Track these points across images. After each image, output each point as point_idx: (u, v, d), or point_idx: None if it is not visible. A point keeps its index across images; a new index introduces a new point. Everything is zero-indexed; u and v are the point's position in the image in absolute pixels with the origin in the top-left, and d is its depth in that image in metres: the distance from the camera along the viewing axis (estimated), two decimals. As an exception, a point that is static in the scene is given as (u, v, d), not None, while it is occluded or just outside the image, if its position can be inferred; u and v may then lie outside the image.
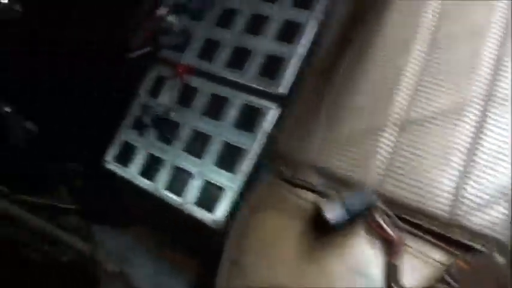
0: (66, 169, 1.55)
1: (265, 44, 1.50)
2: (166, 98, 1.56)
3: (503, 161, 0.97)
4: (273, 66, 1.50)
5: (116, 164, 1.57)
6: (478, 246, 0.93)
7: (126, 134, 1.60)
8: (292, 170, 1.16)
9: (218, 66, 1.54)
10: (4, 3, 1.02)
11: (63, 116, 1.61)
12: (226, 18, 1.65)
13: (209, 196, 1.45)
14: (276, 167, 1.20)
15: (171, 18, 1.62)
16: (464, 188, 0.98)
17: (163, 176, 1.49)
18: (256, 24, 1.61)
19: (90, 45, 1.60)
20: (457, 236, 0.95)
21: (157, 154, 1.52)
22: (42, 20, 1.51)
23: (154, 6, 1.66)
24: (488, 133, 1.01)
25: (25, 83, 1.56)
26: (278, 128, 1.35)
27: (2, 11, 1.01)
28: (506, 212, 0.93)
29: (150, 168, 1.56)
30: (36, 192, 1.46)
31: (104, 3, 1.61)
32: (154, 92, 1.61)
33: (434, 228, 0.96)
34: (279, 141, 1.25)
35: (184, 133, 1.50)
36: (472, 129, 1.02)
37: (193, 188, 1.43)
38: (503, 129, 1.01)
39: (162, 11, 1.65)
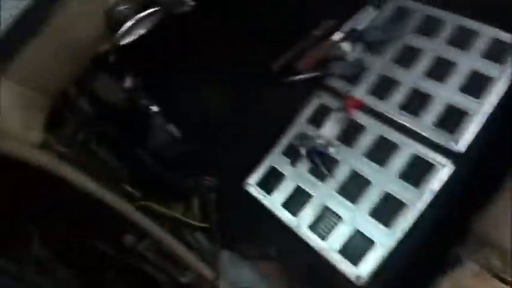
0: (202, 182, 1.56)
1: (446, 93, 1.51)
2: (328, 130, 1.57)
3: None
4: (452, 119, 1.50)
5: (258, 188, 1.59)
6: None
7: (275, 160, 1.62)
8: (504, 263, 1.08)
9: (391, 107, 1.54)
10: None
11: (209, 127, 1.64)
12: (406, 56, 1.67)
13: (356, 247, 1.44)
14: (480, 253, 1.12)
15: (345, 46, 1.64)
16: None
17: (309, 214, 1.51)
18: (439, 69, 1.60)
19: (254, 58, 1.62)
20: None
21: (306, 188, 1.52)
22: (212, 20, 1.54)
23: (329, 31, 1.65)
24: None
25: (177, 85, 1.61)
26: (455, 193, 1.28)
27: (170, 4, 1.03)
28: None
29: (295, 202, 1.59)
30: (167, 201, 1.46)
31: (277, 18, 1.62)
32: (315, 121, 1.64)
33: None
34: (484, 220, 1.18)
35: (341, 172, 1.50)
36: None
37: (340, 235, 1.44)
38: None
39: (336, 36, 1.65)
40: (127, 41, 1.00)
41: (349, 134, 1.61)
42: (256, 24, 1.64)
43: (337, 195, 1.52)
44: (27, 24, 0.84)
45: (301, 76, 1.71)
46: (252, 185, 1.61)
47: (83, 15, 0.93)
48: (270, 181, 1.66)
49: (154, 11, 1.00)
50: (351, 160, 1.55)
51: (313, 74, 1.73)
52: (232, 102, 1.67)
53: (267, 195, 1.63)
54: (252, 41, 1.63)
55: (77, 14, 0.91)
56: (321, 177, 1.56)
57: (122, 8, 0.96)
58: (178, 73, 1.61)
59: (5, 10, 0.81)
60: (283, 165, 1.64)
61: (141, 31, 1.01)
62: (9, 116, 0.89)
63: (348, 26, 1.72)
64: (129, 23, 0.96)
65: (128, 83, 1.43)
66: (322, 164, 1.54)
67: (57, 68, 0.96)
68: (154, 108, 1.45)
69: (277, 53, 1.69)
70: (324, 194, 1.54)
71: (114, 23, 0.96)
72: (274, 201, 1.59)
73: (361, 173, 1.52)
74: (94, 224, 1.29)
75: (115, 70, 1.39)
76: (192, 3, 1.08)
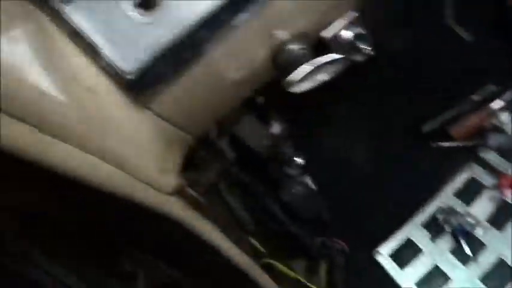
0: (332, 245, 1.55)
1: None
2: (477, 208, 1.54)
3: None
4: None
5: (390, 260, 1.57)
6: None
7: (413, 231, 1.62)
8: None
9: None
10: (350, 41, 1.01)
11: (346, 184, 1.64)
12: None
13: None
14: None
15: (505, 117, 1.57)
16: None
17: (445, 299, 1.42)
18: None
19: (405, 116, 1.61)
20: None
21: (445, 269, 1.53)
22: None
23: (489, 97, 1.60)
24: None
25: (318, 136, 1.62)
26: None
27: (351, 51, 1.00)
28: None
29: (430, 283, 1.57)
30: (290, 259, 1.51)
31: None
32: (464, 196, 1.62)
33: None
34: None
35: (487, 258, 1.48)
36: None
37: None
38: None
39: (496, 104, 1.60)
40: (303, 89, 0.89)
41: (501, 216, 1.57)
42: (412, 79, 1.63)
43: (478, 282, 1.49)
44: (185, 51, 0.73)
45: (453, 143, 1.70)
46: (384, 256, 1.61)
47: (247, 49, 0.83)
48: (405, 254, 1.65)
49: (337, 59, 0.87)
50: (499, 246, 1.52)
51: (466, 143, 1.70)
52: (374, 160, 1.67)
53: (399, 269, 1.63)
54: (406, 97, 1.62)
55: (240, 48, 0.81)
56: (463, 259, 1.54)
57: (293, 47, 0.85)
58: (321, 123, 1.63)
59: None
60: (422, 239, 1.63)
61: (323, 78, 0.90)
62: (146, 155, 0.78)
63: (510, 95, 1.64)
64: (306, 68, 0.82)
65: (276, 129, 1.42)
66: (467, 245, 1.50)
67: (208, 104, 0.86)
68: (299, 161, 1.45)
69: (430, 113, 1.65)
70: (464, 279, 1.52)
71: (282, 63, 0.85)
72: (407, 278, 1.59)
73: (509, 263, 1.48)
74: (210, 276, 1.29)
75: (261, 113, 1.38)
76: (372, 53, 1.00)
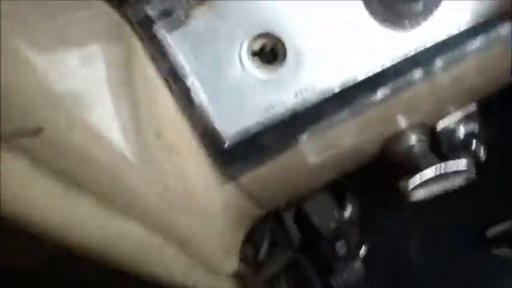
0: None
1: None
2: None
3: None
4: None
5: None
6: None
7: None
8: None
9: None
10: (462, 138, 0.84)
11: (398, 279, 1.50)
12: None
13: None
14: None
15: None
16: None
17: None
18: None
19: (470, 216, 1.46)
20: None
21: None
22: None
23: None
24: None
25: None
26: None
27: (458, 148, 0.83)
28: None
29: None
30: None
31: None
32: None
33: None
34: None
35: None
36: None
37: None
38: None
39: None
40: (418, 197, 0.71)
41: None
42: (485, 178, 1.47)
43: None
44: (301, 126, 0.58)
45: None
46: None
47: (359, 133, 0.66)
48: None
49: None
50: None
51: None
52: (427, 256, 1.50)
53: None
54: (474, 196, 1.46)
55: (354, 130, 0.64)
56: None
57: (412, 137, 0.70)
58: (378, 208, 1.49)
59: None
60: None
61: (443, 189, 0.73)
62: (216, 233, 0.62)
63: None
64: (428, 174, 0.66)
65: (348, 212, 1.26)
66: None
67: (294, 182, 0.71)
68: (362, 251, 1.28)
69: (498, 217, 1.49)
70: None
71: (398, 154, 0.70)
72: None
73: None
74: None
75: (338, 193, 1.23)
76: (482, 158, 0.87)
